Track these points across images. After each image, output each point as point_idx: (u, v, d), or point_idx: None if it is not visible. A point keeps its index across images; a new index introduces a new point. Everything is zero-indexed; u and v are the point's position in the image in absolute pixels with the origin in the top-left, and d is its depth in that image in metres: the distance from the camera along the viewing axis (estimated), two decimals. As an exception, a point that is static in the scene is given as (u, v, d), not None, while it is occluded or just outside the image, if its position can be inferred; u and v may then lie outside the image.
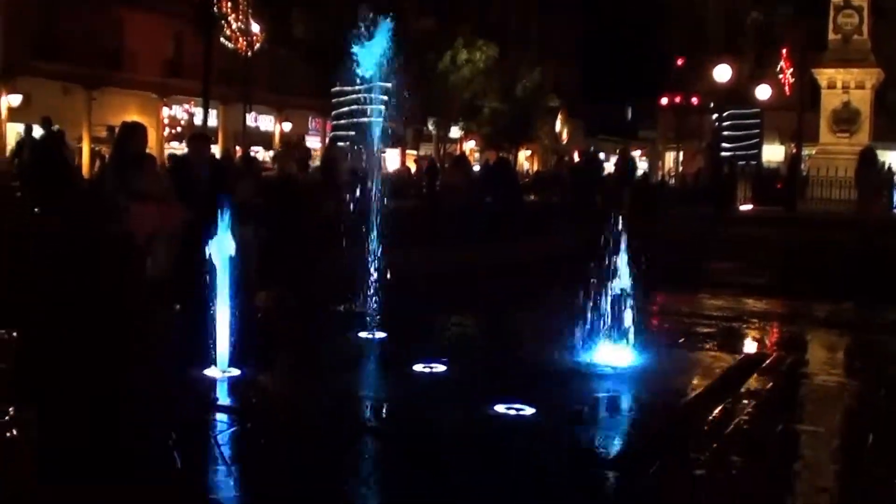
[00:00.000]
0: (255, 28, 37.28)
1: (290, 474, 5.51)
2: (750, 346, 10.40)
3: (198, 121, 36.27)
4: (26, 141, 25.08)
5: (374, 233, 9.72)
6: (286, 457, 5.88)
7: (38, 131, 25.09)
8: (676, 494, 5.35)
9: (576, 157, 44.43)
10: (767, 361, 8.93)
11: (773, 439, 6.45)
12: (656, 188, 40.42)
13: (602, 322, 8.78)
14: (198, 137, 14.19)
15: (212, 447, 6.01)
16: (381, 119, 10.22)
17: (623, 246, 8.69)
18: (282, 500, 5.12)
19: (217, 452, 5.90)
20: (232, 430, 6.49)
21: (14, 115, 36.82)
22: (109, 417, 6.49)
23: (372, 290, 9.61)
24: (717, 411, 6.96)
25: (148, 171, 11.51)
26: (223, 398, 7.21)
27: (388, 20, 9.73)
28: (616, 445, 6.10)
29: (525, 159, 62.61)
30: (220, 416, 6.68)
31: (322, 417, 6.67)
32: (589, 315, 8.64)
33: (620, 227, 8.66)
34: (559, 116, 62.65)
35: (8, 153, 29.52)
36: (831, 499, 5.42)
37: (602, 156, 46.82)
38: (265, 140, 46.08)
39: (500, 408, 6.71)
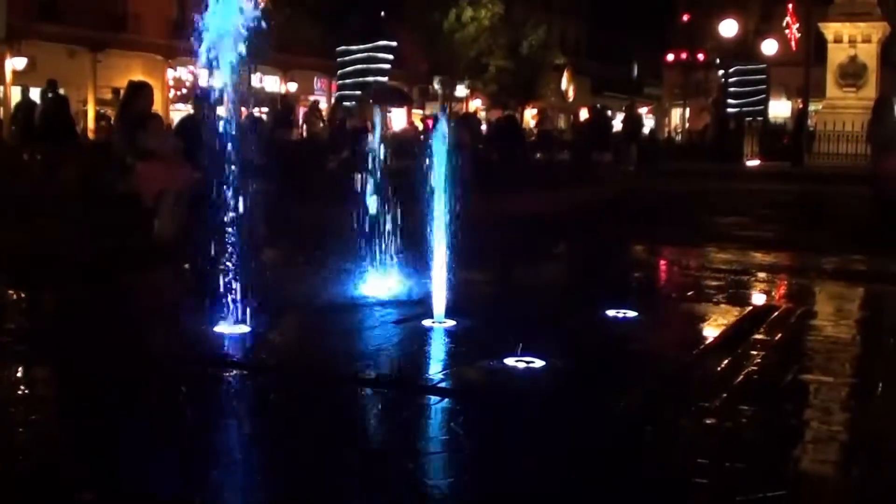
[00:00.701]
0: (261, -13, 37.10)
1: (299, 428, 5.52)
2: (759, 299, 10.39)
3: (203, 83, 36.10)
4: (23, 104, 25.03)
5: (381, 190, 9.74)
6: (295, 411, 5.89)
7: (35, 95, 25.04)
8: (686, 443, 5.36)
9: (582, 115, 44.30)
10: (776, 313, 8.92)
11: (782, 389, 6.46)
12: (655, 143, 40.50)
13: (609, 274, 8.79)
14: (204, 95, 14.15)
15: (221, 402, 6.03)
16: (386, 78, 10.21)
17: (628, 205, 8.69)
18: (292, 453, 5.13)
19: (227, 407, 5.92)
20: (241, 385, 6.51)
21: (19, 78, 36.74)
22: (117, 374, 6.50)
23: (378, 247, 9.64)
24: (726, 362, 6.97)
25: (154, 131, 11.52)
26: (232, 354, 7.23)
27: None
28: (625, 396, 6.10)
29: (532, 118, 62.38)
30: (230, 372, 6.69)
31: (331, 370, 6.69)
32: (594, 268, 8.64)
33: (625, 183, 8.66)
34: (565, 74, 62.37)
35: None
36: (841, 447, 5.43)
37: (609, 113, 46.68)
38: (271, 101, 45.93)
39: (509, 360, 6.72)
